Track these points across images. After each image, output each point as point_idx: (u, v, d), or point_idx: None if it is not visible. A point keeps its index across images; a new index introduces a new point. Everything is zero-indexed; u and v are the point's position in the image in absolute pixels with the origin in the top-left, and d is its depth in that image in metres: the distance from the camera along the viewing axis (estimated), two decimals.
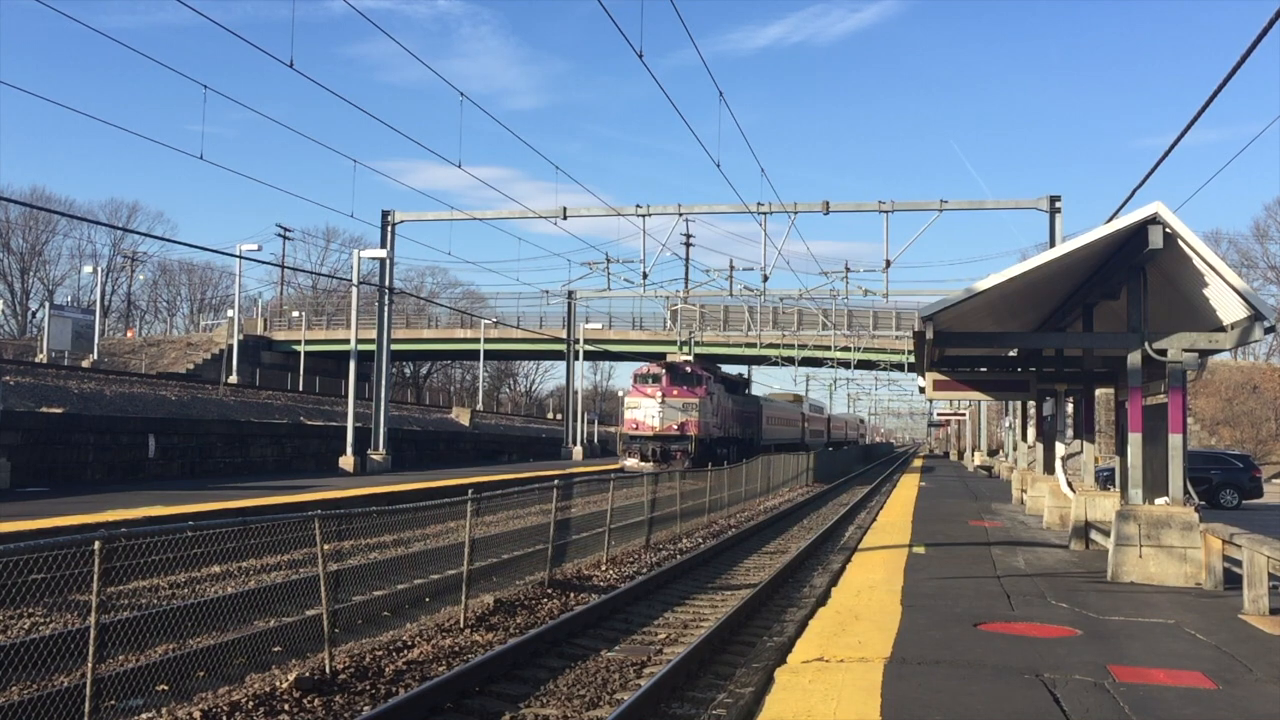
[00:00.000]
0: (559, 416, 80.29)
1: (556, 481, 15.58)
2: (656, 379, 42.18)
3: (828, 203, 33.49)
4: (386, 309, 38.12)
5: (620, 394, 63.07)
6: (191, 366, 65.92)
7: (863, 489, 41.48)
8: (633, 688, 9.20)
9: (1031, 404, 26.06)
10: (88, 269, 77.25)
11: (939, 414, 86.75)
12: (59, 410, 30.82)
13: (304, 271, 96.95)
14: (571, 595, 13.81)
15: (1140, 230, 11.97)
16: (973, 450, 66.23)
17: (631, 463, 40.38)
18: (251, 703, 7.97)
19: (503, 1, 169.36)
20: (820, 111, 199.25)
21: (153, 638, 9.53)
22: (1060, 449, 20.70)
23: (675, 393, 41.37)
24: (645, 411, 41.53)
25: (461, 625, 11.38)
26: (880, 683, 7.35)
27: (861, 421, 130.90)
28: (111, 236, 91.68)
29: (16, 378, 34.24)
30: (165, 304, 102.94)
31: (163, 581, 13.37)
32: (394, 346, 45.28)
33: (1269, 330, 11.75)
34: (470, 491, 12.75)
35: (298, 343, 73.50)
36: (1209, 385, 67.26)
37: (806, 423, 72.54)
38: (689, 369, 43.18)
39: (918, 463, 69.17)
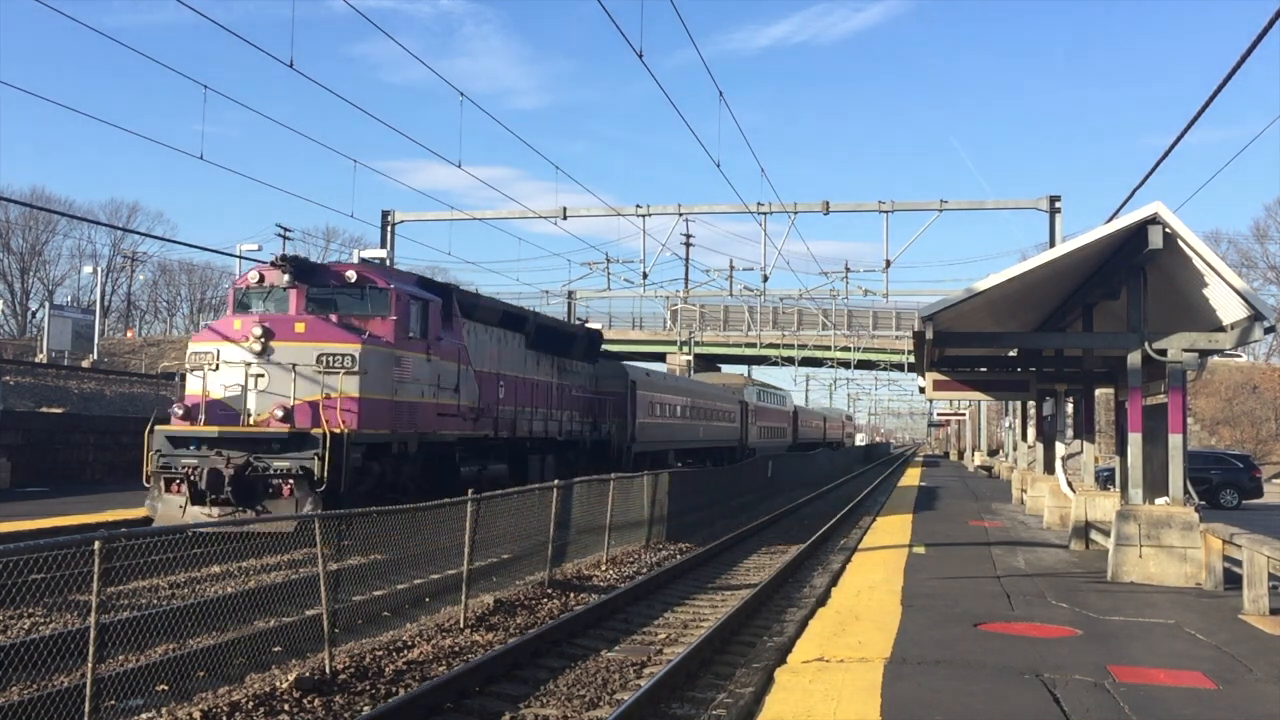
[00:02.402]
0: None
1: (557, 482, 15.57)
2: (277, 296, 18.29)
3: (828, 203, 33.49)
4: None
5: None
6: None
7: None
8: (633, 688, 9.20)
9: (1031, 404, 26.08)
10: (88, 269, 77.28)
11: (939, 414, 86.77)
12: (59, 410, 30.83)
13: None
14: (571, 595, 13.81)
15: (1140, 230, 11.98)
16: (973, 450, 66.24)
17: (168, 504, 16.43)
18: (251, 703, 7.96)
19: (505, 1, 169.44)
20: (821, 111, 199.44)
21: (153, 638, 9.53)
22: (1060, 449, 20.73)
23: (302, 329, 17.22)
24: (221, 379, 17.07)
25: (461, 625, 11.38)
26: (880, 683, 7.36)
27: (849, 419, 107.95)
28: (111, 236, 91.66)
29: (16, 378, 34.28)
30: (165, 304, 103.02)
31: (163, 581, 13.37)
32: None
33: (1269, 330, 11.77)
34: (470, 491, 12.74)
35: None
36: (1209, 385, 67.28)
37: (752, 416, 49.55)
38: (351, 273, 18.34)
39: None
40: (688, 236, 73.99)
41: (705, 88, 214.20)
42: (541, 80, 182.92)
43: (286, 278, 17.98)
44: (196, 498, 16.00)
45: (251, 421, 16.63)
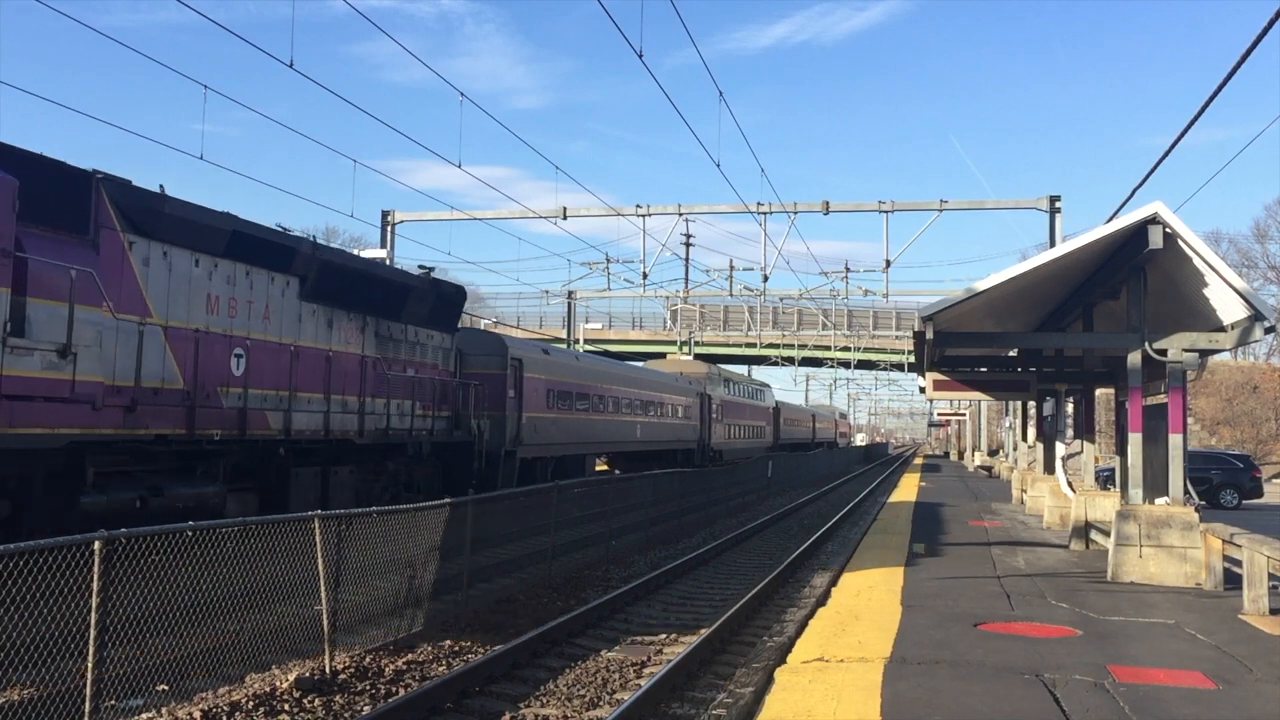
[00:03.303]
0: None
1: (555, 483, 15.58)
2: None
3: (828, 203, 33.49)
4: None
5: None
6: None
7: None
8: (633, 688, 9.20)
9: (1031, 404, 26.06)
10: None
11: (939, 414, 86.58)
12: None
13: None
14: (571, 595, 13.81)
15: (1140, 230, 11.99)
16: (973, 450, 66.23)
17: None
18: (251, 703, 7.97)
19: (506, 1, 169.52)
20: (821, 111, 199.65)
21: (153, 638, 9.52)
22: (1060, 449, 20.73)
23: None
24: None
25: (462, 625, 11.38)
26: (880, 683, 7.36)
27: (842, 417, 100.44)
28: None
29: None
30: None
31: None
32: None
33: (1269, 330, 11.77)
34: (470, 491, 12.74)
35: None
36: (1209, 385, 67.25)
37: (718, 412, 42.21)
38: None
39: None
40: (688, 236, 74.08)
41: (705, 88, 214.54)
42: (541, 80, 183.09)
43: None
44: None
45: None
